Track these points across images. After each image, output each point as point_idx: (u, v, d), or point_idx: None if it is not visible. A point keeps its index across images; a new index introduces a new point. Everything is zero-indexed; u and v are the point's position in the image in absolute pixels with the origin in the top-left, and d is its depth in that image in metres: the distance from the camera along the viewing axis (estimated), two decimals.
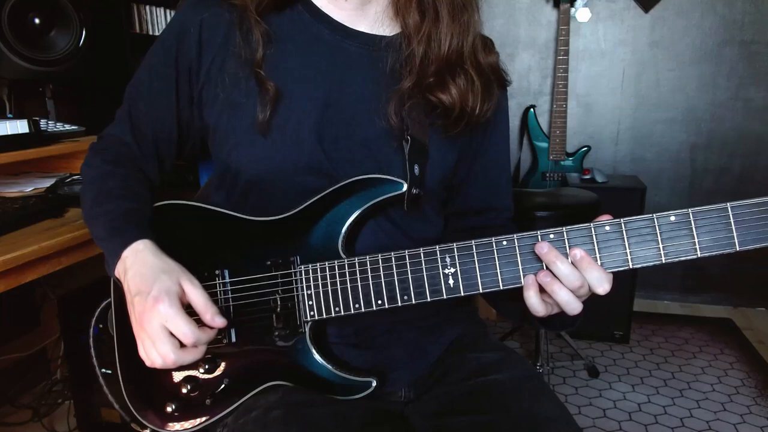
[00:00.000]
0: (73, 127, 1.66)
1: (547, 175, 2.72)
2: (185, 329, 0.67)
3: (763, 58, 2.59)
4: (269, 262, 0.78)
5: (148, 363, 0.70)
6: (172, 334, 0.68)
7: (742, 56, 2.61)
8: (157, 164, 0.88)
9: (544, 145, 2.73)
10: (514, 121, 2.88)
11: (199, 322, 0.70)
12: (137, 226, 0.76)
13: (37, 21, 1.67)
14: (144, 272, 0.71)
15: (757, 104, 2.64)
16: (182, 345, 0.69)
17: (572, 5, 2.62)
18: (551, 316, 0.71)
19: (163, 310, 0.67)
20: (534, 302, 0.68)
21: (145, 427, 0.80)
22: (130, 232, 0.75)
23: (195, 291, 0.71)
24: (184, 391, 0.78)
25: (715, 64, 2.64)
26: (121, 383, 0.82)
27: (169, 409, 0.78)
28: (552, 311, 0.70)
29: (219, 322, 0.71)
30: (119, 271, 0.74)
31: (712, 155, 2.73)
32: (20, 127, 1.46)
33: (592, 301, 0.68)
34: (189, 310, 0.70)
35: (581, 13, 2.67)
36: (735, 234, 0.63)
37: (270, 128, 0.78)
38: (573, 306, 0.67)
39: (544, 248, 0.67)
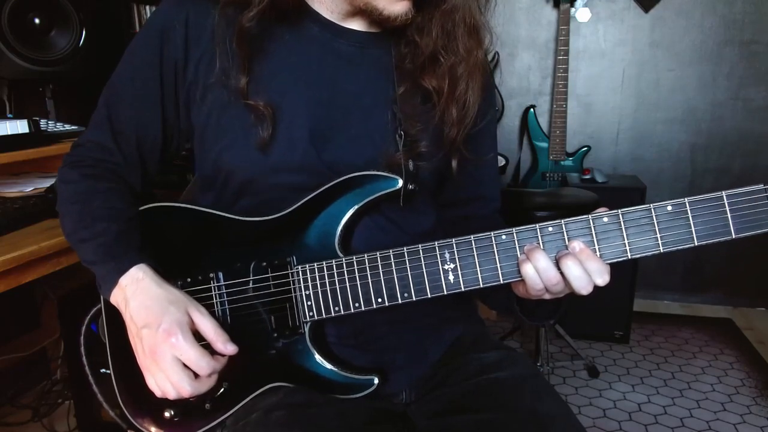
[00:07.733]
0: (73, 127, 1.66)
1: (547, 175, 2.72)
2: (201, 362, 0.68)
3: (763, 58, 2.59)
4: (265, 263, 0.77)
5: (159, 394, 0.70)
6: (185, 366, 0.68)
7: (742, 56, 2.60)
8: (140, 170, 0.84)
9: (544, 145, 2.72)
10: (514, 121, 2.88)
11: (208, 348, 0.71)
12: (131, 249, 0.74)
13: (37, 21, 1.67)
14: (149, 304, 0.70)
15: (757, 104, 2.63)
16: (196, 375, 0.69)
17: (572, 5, 2.62)
18: (537, 303, 0.73)
19: (176, 343, 0.67)
20: (532, 274, 0.68)
21: None
22: (125, 257, 0.74)
23: (204, 320, 0.71)
24: None
25: (715, 64, 2.64)
26: (116, 390, 0.81)
27: (167, 415, 0.77)
28: (543, 294, 0.70)
29: (231, 349, 0.71)
30: (117, 299, 0.74)
31: (712, 155, 2.73)
32: (20, 127, 1.47)
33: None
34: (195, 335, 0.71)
35: (581, 13, 2.67)
36: (731, 222, 0.64)
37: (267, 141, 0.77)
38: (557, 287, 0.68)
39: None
